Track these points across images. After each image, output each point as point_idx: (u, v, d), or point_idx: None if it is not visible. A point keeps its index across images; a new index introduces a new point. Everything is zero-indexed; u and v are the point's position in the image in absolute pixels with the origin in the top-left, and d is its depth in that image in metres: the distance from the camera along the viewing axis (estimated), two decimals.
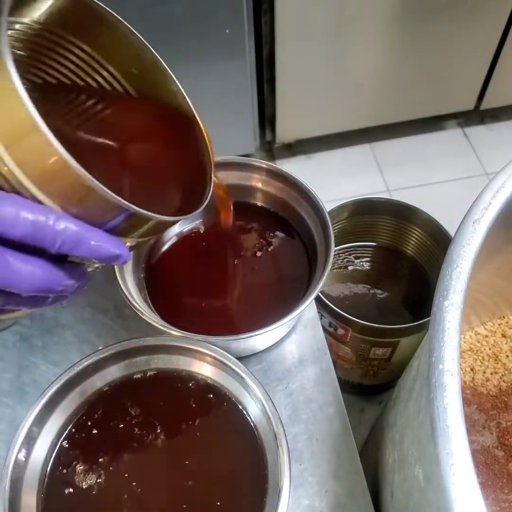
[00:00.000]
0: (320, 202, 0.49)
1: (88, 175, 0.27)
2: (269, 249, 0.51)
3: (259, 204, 0.53)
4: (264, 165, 0.51)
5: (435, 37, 1.32)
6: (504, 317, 0.60)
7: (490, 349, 0.58)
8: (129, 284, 0.45)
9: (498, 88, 1.49)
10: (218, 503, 0.37)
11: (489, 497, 0.47)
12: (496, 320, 0.60)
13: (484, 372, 0.56)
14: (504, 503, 0.47)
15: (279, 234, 0.52)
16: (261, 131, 1.49)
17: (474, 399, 0.54)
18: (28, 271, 0.27)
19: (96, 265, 0.33)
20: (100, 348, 0.42)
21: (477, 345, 0.58)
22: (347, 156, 1.56)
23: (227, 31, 1.15)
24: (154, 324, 0.42)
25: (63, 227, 0.27)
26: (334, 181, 1.48)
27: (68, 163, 0.26)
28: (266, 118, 1.46)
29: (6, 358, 0.50)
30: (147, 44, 0.40)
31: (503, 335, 0.59)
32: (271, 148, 1.57)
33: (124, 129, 0.40)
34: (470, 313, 0.57)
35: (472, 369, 0.57)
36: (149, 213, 0.30)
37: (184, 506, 0.37)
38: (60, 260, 0.29)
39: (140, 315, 0.43)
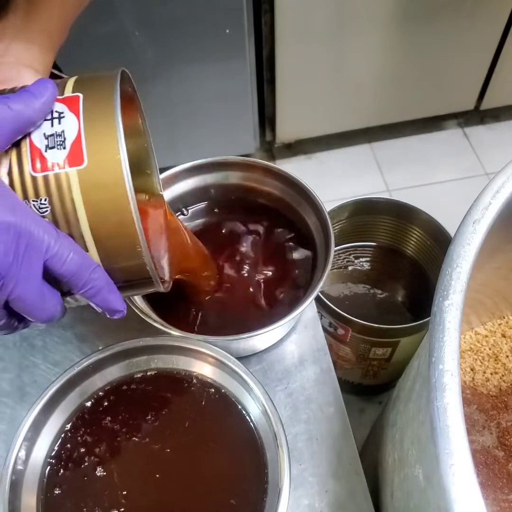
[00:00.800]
0: (320, 202, 0.49)
1: (148, 253, 0.32)
2: (269, 249, 0.51)
3: (259, 204, 0.53)
4: (264, 165, 0.51)
5: (435, 37, 1.32)
6: (504, 317, 0.60)
7: (490, 349, 0.58)
8: None
9: (498, 88, 1.48)
10: (218, 503, 0.37)
11: (489, 497, 0.47)
12: (496, 320, 0.60)
13: (484, 372, 0.56)
14: (504, 503, 0.47)
15: (279, 234, 0.52)
16: (261, 131, 1.49)
17: (474, 399, 0.54)
18: (53, 305, 0.31)
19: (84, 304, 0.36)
20: (100, 348, 0.42)
21: (477, 345, 0.58)
22: (347, 156, 1.56)
23: (227, 31, 1.15)
24: (154, 324, 0.42)
25: (96, 277, 0.31)
26: (334, 181, 1.48)
27: (139, 240, 0.31)
28: (266, 118, 1.46)
29: (6, 358, 0.50)
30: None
31: (503, 335, 0.59)
32: (271, 148, 1.57)
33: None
34: (470, 313, 0.57)
35: (472, 369, 0.57)
36: (162, 288, 0.36)
37: (184, 505, 0.37)
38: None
39: (140, 315, 0.43)
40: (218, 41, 1.17)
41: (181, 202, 0.53)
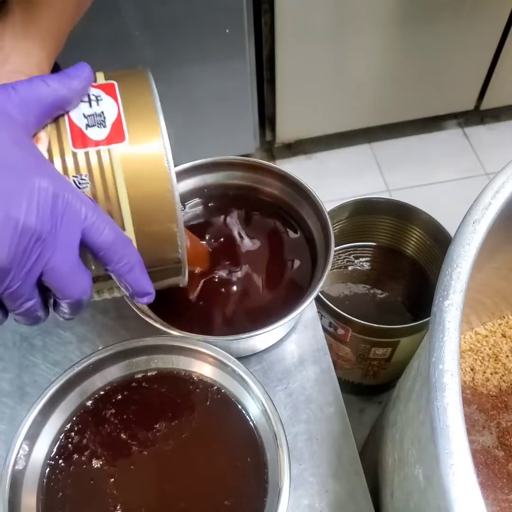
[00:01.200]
0: (320, 202, 0.49)
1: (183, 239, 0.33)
2: (269, 249, 0.51)
3: (258, 204, 0.53)
4: (264, 165, 0.51)
5: (435, 37, 1.32)
6: (504, 317, 0.60)
7: (490, 349, 0.58)
8: None
9: (498, 88, 1.48)
10: (218, 503, 0.37)
11: (489, 497, 0.47)
12: (496, 320, 0.60)
13: (484, 372, 0.56)
14: (504, 503, 0.47)
15: (279, 234, 0.52)
16: (261, 131, 1.49)
17: (474, 399, 0.54)
18: (85, 282, 0.31)
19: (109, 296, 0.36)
20: (100, 348, 0.42)
21: (477, 345, 0.58)
22: (347, 156, 1.56)
23: (227, 31, 1.15)
24: (154, 324, 0.42)
25: (130, 252, 0.31)
26: (334, 181, 1.48)
27: (175, 217, 0.32)
28: (266, 118, 1.46)
29: (6, 358, 0.50)
30: None
31: (503, 335, 0.59)
32: (271, 148, 1.57)
33: None
34: (470, 313, 0.57)
35: (472, 369, 0.57)
36: (186, 278, 0.37)
37: (184, 505, 0.37)
38: None
39: (140, 315, 0.43)
40: (218, 41, 1.17)
41: (181, 202, 0.53)
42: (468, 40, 1.34)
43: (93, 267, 0.32)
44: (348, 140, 1.57)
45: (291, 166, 1.54)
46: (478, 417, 0.53)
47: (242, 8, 1.13)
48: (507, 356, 0.57)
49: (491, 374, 0.56)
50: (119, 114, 0.31)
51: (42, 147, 0.30)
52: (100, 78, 0.33)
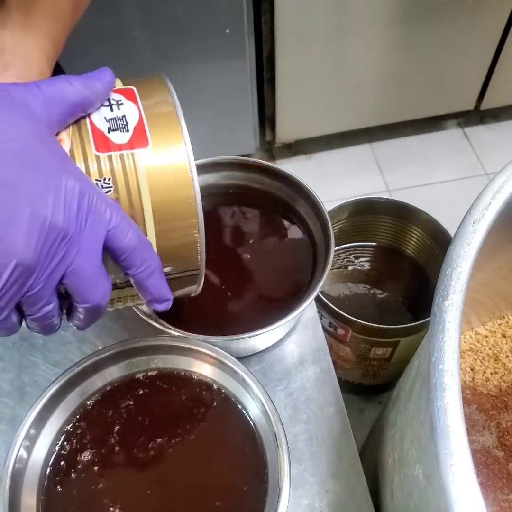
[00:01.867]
0: (320, 202, 0.49)
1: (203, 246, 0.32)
2: (269, 249, 0.51)
3: (258, 204, 0.53)
4: (264, 165, 0.51)
5: (435, 37, 1.32)
6: (504, 317, 0.60)
7: (490, 349, 0.58)
8: None
9: (498, 88, 1.48)
10: (218, 503, 0.37)
11: (489, 497, 0.47)
12: (496, 320, 0.60)
13: (484, 372, 0.56)
14: (504, 503, 0.47)
15: (279, 234, 0.52)
16: (261, 131, 1.49)
17: (474, 399, 0.54)
18: (106, 287, 0.30)
19: (127, 305, 0.36)
20: (100, 348, 0.42)
21: (477, 345, 0.58)
22: (347, 156, 1.56)
23: (227, 31, 1.15)
24: (154, 324, 0.42)
25: (152, 257, 0.31)
26: (334, 181, 1.48)
27: (197, 225, 0.32)
28: (266, 118, 1.46)
29: (6, 358, 0.50)
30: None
31: (503, 335, 0.59)
32: (271, 148, 1.57)
33: None
34: (470, 313, 0.57)
35: (472, 369, 0.57)
36: (201, 285, 0.36)
37: (184, 505, 0.37)
38: None
39: (140, 315, 0.43)
40: (218, 41, 1.17)
41: None
42: (468, 40, 1.34)
43: (110, 274, 0.31)
44: (348, 140, 1.57)
45: (291, 166, 1.54)
46: (478, 417, 0.53)
47: (242, 8, 1.13)
48: (507, 356, 0.57)
49: (491, 374, 0.56)
50: (141, 119, 0.31)
51: (65, 148, 0.30)
52: (118, 84, 0.33)
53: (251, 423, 0.40)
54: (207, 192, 0.53)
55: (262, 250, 0.51)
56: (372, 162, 1.55)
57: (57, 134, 0.30)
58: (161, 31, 1.13)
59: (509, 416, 0.52)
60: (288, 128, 1.47)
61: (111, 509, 0.37)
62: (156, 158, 0.30)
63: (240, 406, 0.41)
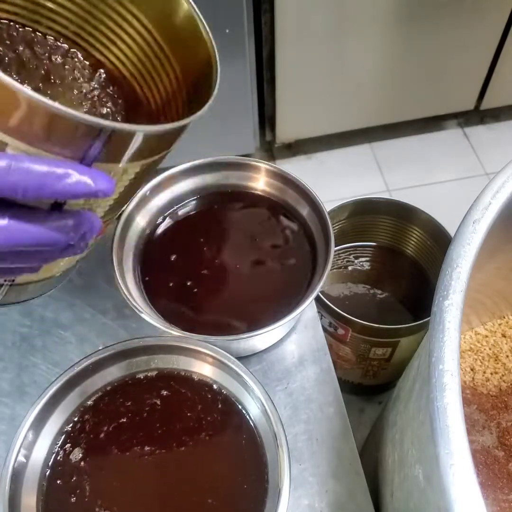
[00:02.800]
0: (320, 202, 0.49)
1: (40, 97, 0.24)
2: (269, 249, 0.51)
3: (258, 203, 0.53)
4: (264, 165, 0.51)
5: (435, 37, 1.32)
6: (504, 317, 0.60)
7: (490, 349, 0.58)
8: (129, 283, 0.45)
9: (498, 88, 1.49)
10: (218, 503, 0.37)
11: (489, 497, 0.47)
12: (496, 320, 0.60)
13: (484, 372, 0.56)
14: (504, 503, 0.47)
15: (279, 234, 0.52)
16: (261, 131, 1.49)
17: (474, 399, 0.54)
18: (21, 229, 0.25)
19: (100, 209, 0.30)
20: (100, 348, 0.42)
21: (477, 345, 0.58)
22: (347, 156, 1.56)
23: (227, 31, 1.15)
24: (154, 324, 0.42)
25: (23, 167, 0.24)
26: (334, 181, 1.48)
27: (16, 88, 0.23)
28: (266, 118, 1.46)
29: (6, 358, 0.50)
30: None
31: (503, 335, 0.59)
32: (271, 148, 1.57)
33: None
34: (470, 313, 0.57)
35: (472, 369, 0.57)
36: (125, 126, 0.27)
37: (184, 505, 0.37)
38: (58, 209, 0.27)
39: (140, 315, 0.43)
40: (218, 41, 1.17)
41: (181, 202, 0.53)
42: (468, 40, 1.34)
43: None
44: (348, 140, 1.57)
45: (291, 166, 1.54)
46: (478, 417, 0.53)
47: (242, 8, 1.13)
48: (507, 356, 0.57)
49: (491, 374, 0.56)
50: None
51: None
52: None
53: (251, 423, 0.40)
54: (207, 192, 0.53)
55: (262, 250, 0.51)
56: (372, 162, 1.55)
57: None
58: None
59: (509, 416, 0.52)
60: (288, 128, 1.47)
61: (111, 508, 0.37)
62: None
63: (240, 406, 0.41)
